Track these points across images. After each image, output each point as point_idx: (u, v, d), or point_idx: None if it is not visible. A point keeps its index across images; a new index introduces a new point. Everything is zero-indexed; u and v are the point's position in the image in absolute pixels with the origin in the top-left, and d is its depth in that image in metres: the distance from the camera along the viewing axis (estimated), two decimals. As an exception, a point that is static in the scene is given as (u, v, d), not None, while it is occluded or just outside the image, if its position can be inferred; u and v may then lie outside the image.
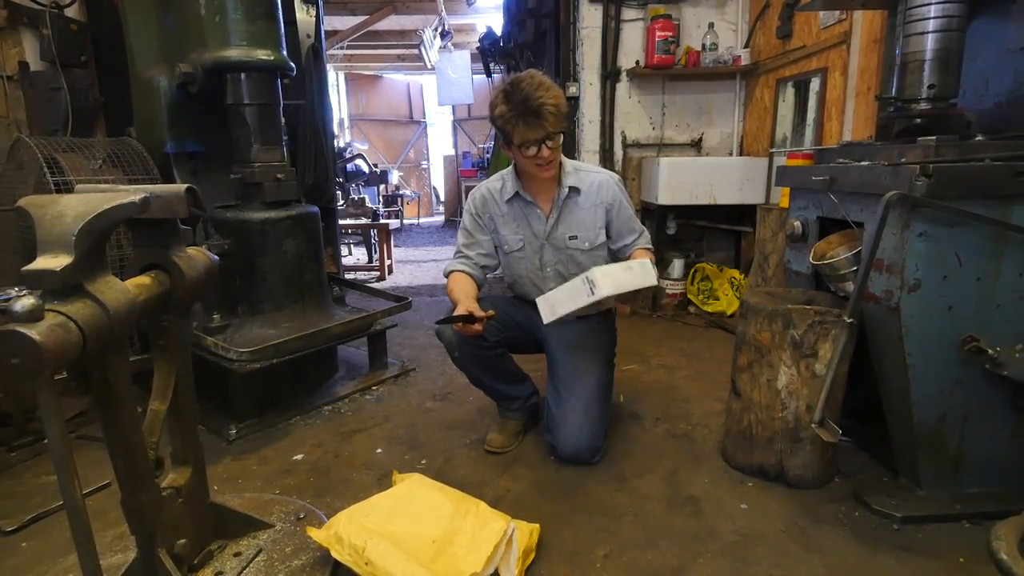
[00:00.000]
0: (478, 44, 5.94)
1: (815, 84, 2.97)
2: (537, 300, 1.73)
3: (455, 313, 1.70)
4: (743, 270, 3.61)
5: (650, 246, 1.98)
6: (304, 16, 3.14)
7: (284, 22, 2.40)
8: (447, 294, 1.93)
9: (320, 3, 3.26)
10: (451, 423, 2.22)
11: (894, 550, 1.45)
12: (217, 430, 2.12)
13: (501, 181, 1.98)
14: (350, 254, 6.59)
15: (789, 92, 3.23)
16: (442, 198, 10.57)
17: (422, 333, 3.34)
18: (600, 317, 2.04)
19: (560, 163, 1.91)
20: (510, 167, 1.96)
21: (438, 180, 10.84)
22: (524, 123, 1.71)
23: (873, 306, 1.54)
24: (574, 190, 1.91)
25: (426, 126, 10.55)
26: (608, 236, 1.96)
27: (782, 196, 2.95)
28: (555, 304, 1.68)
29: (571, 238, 1.93)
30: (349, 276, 4.91)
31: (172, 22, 2.34)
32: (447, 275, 1.98)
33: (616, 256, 1.99)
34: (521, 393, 2.07)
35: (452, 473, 1.84)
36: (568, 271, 1.95)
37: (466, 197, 9.11)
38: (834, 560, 1.42)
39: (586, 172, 1.95)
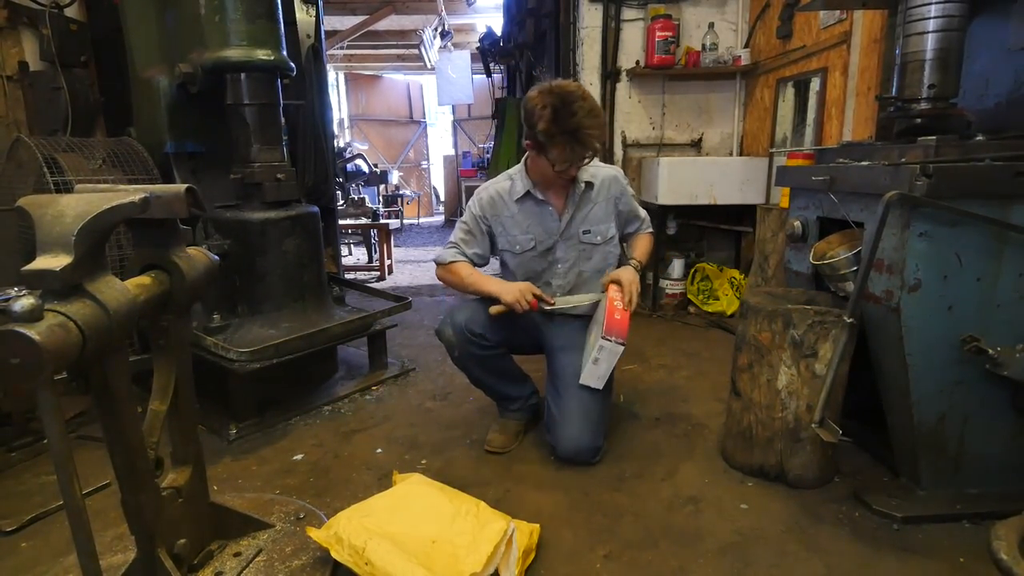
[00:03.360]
0: (478, 44, 5.94)
1: (815, 84, 2.97)
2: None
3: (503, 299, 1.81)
4: (743, 270, 3.61)
5: (650, 230, 2.11)
6: (304, 16, 3.14)
7: (284, 22, 2.40)
8: (458, 284, 1.93)
9: (320, 3, 3.26)
10: (451, 423, 2.21)
11: (894, 550, 1.45)
12: (217, 430, 2.12)
13: (510, 181, 1.95)
14: (350, 254, 6.59)
15: (789, 92, 3.23)
16: (442, 198, 10.57)
17: (422, 333, 3.34)
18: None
19: None
20: (518, 166, 1.95)
21: (438, 180, 10.84)
22: (567, 147, 1.71)
23: (873, 306, 1.54)
24: (589, 185, 1.92)
25: (426, 126, 10.54)
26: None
27: (782, 196, 2.95)
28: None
29: (584, 232, 1.95)
30: (349, 276, 4.91)
31: (172, 22, 2.34)
32: (444, 264, 1.96)
33: (623, 239, 2.08)
34: (521, 393, 2.07)
35: (452, 473, 1.84)
36: (579, 265, 1.98)
37: (466, 197, 9.04)
38: (834, 560, 1.42)
39: (595, 167, 1.94)
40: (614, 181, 1.97)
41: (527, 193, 1.91)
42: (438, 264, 2.00)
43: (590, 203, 1.95)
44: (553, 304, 1.88)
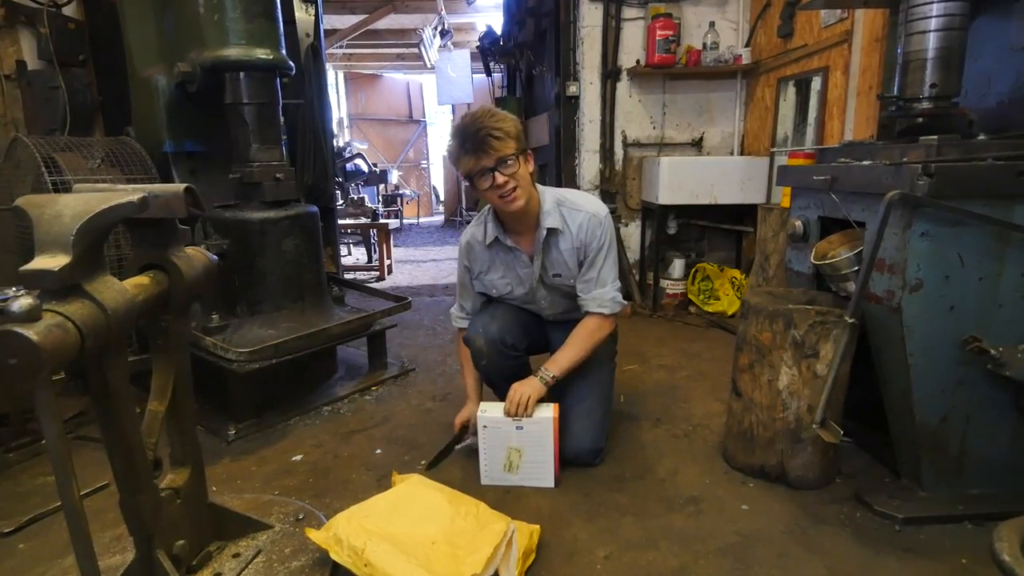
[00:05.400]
0: (478, 43, 5.93)
1: (816, 83, 2.97)
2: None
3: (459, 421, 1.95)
4: (744, 270, 3.60)
5: (605, 310, 1.79)
6: (303, 15, 3.14)
7: (283, 21, 2.39)
8: (460, 364, 2.06)
9: (319, 2, 3.25)
10: (451, 423, 2.20)
11: (896, 551, 1.45)
12: (216, 430, 2.12)
13: (483, 225, 1.85)
14: (350, 254, 6.59)
15: (790, 91, 3.22)
16: (442, 198, 10.57)
17: (422, 333, 3.33)
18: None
19: (538, 200, 1.77)
20: (488, 207, 1.83)
21: (438, 180, 10.84)
22: (468, 151, 1.62)
23: (874, 306, 1.54)
24: (553, 232, 1.77)
25: (426, 125, 10.54)
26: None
27: (783, 196, 2.95)
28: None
29: (555, 276, 1.84)
30: (349, 276, 4.91)
31: (170, 21, 2.33)
32: (457, 327, 2.05)
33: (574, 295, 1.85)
34: None
35: (452, 474, 1.84)
36: (561, 305, 1.93)
37: (466, 197, 9.00)
38: (835, 561, 1.42)
39: (570, 208, 1.78)
40: (585, 226, 1.76)
41: (496, 239, 1.81)
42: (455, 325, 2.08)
43: (556, 250, 1.80)
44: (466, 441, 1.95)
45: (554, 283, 1.87)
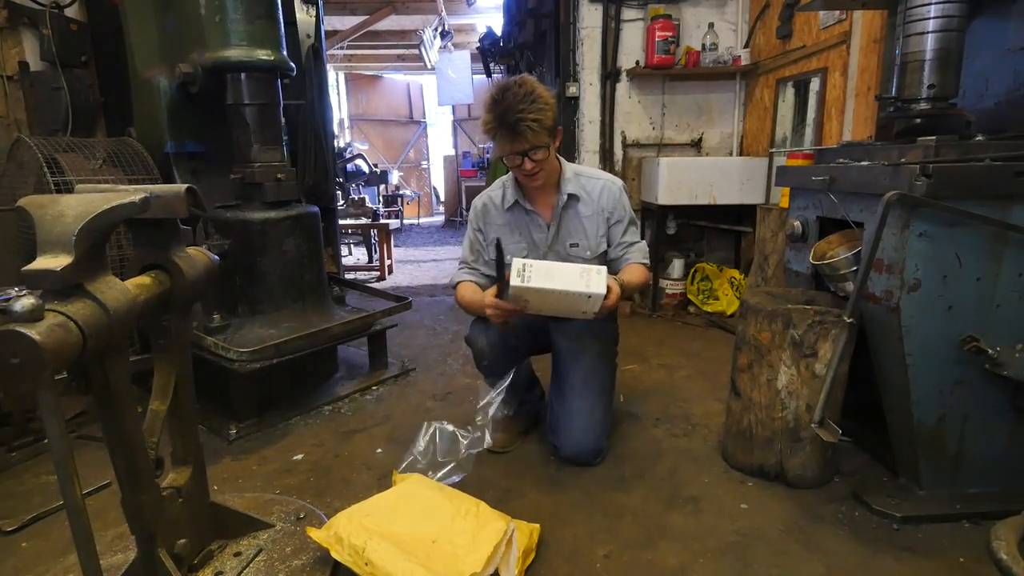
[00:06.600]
0: (478, 44, 5.94)
1: (815, 84, 2.97)
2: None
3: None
4: (743, 270, 3.61)
5: (643, 260, 1.88)
6: (304, 16, 3.15)
7: (284, 22, 2.40)
8: (464, 306, 1.87)
9: (320, 3, 3.26)
10: (452, 423, 2.21)
11: (894, 550, 1.45)
12: (217, 430, 2.13)
13: (501, 189, 1.92)
14: (350, 254, 6.59)
15: (789, 92, 3.23)
16: (442, 198, 10.57)
17: (422, 333, 3.33)
18: (603, 317, 2.03)
19: (559, 170, 1.86)
20: (510, 174, 1.90)
21: (438, 180, 10.84)
22: (503, 136, 1.67)
23: (873, 306, 1.54)
24: (573, 197, 1.86)
25: (426, 126, 10.55)
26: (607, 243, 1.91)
27: (782, 196, 2.95)
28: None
29: (572, 245, 1.89)
30: (349, 276, 4.92)
31: (172, 22, 2.34)
32: (454, 286, 1.93)
33: (610, 264, 1.89)
34: (531, 398, 2.08)
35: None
36: None
37: (466, 197, 8.99)
38: (834, 560, 1.42)
39: (587, 178, 1.89)
40: (606, 192, 1.87)
41: (515, 203, 1.88)
42: (452, 287, 1.97)
43: (576, 216, 1.87)
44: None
45: (570, 254, 1.89)
